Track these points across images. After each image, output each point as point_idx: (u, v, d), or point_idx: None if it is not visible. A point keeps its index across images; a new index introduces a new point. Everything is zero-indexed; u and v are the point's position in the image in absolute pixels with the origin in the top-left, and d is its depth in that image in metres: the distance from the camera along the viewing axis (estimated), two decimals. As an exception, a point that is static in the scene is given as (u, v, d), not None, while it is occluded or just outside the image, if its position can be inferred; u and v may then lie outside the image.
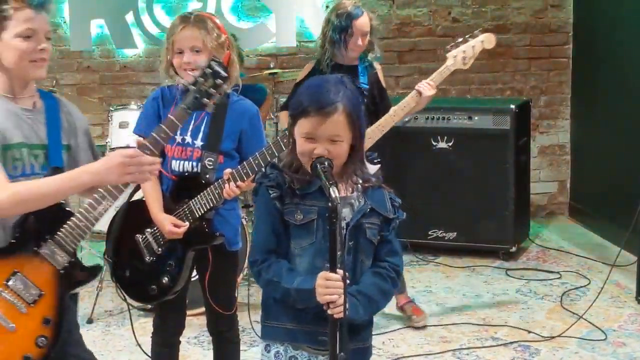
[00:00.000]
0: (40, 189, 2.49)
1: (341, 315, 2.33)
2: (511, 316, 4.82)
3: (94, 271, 2.71)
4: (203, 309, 3.48)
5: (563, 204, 7.10)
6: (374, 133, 4.29)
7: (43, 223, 2.54)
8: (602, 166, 6.45)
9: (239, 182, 3.14)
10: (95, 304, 4.91)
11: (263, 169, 2.59)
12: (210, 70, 2.67)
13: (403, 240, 2.65)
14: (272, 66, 6.23)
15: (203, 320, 3.52)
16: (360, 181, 2.53)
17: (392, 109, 4.35)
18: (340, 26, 4.32)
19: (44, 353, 2.53)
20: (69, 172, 2.52)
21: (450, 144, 5.80)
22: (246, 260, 4.13)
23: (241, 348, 3.60)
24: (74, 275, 2.64)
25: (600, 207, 6.49)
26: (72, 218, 2.56)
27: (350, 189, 2.48)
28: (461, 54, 4.33)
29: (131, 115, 4.92)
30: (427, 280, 5.48)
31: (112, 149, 4.96)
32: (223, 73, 2.70)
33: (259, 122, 3.64)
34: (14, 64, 2.58)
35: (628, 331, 4.57)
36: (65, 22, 6.39)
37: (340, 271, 2.35)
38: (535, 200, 6.86)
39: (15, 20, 2.53)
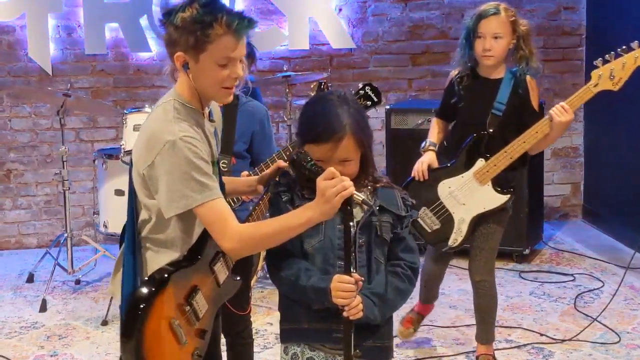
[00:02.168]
0: (268, 234, 2.41)
1: (356, 317, 2.37)
2: (525, 318, 4.81)
3: (238, 284, 2.74)
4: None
5: (577, 206, 7.08)
6: (499, 160, 3.79)
7: None
8: (615, 168, 6.43)
9: (259, 187, 3.19)
10: (110, 306, 4.93)
11: (276, 179, 2.62)
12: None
13: (417, 243, 2.67)
14: (285, 69, 6.24)
15: (217, 322, 3.54)
16: (371, 183, 2.57)
17: (522, 135, 3.75)
18: (467, 27, 3.81)
19: None
20: (291, 213, 2.41)
21: (463, 146, 5.80)
22: (259, 263, 4.14)
23: (255, 350, 3.61)
24: (228, 289, 2.69)
25: (614, 209, 6.47)
26: None
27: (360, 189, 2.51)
28: (608, 72, 3.71)
29: (145, 118, 4.92)
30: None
31: (127, 152, 4.98)
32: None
33: (269, 123, 3.71)
34: (205, 88, 2.50)
35: (642, 333, 4.57)
36: (79, 26, 6.42)
37: (356, 275, 2.38)
38: (549, 203, 6.85)
39: (215, 45, 2.41)
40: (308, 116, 2.55)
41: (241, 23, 2.43)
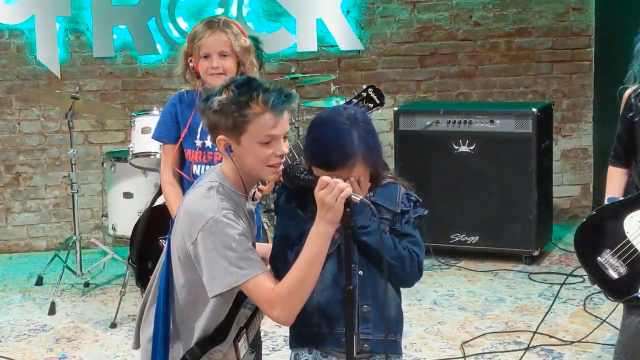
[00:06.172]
0: (300, 276, 2.34)
1: (345, 194, 2.31)
2: (534, 320, 4.79)
3: (252, 358, 2.77)
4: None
5: (586, 208, 7.04)
6: None
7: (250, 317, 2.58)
8: (625, 169, 6.40)
9: (261, 186, 3.18)
10: (118, 308, 4.94)
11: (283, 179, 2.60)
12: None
13: (425, 244, 2.64)
14: (293, 71, 6.24)
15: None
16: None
17: None
18: None
19: None
20: (305, 244, 2.35)
21: (472, 147, 5.79)
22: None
23: (263, 352, 3.61)
24: None
25: (623, 210, 6.43)
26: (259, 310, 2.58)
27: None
28: None
29: (153, 120, 4.90)
30: (449, 285, 5.47)
31: (135, 155, 4.99)
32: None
33: None
34: (250, 169, 2.44)
35: (652, 335, 4.54)
36: (88, 29, 6.43)
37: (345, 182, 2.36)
38: (558, 204, 6.82)
39: (255, 124, 2.36)
40: (318, 140, 2.48)
41: (278, 99, 2.37)
